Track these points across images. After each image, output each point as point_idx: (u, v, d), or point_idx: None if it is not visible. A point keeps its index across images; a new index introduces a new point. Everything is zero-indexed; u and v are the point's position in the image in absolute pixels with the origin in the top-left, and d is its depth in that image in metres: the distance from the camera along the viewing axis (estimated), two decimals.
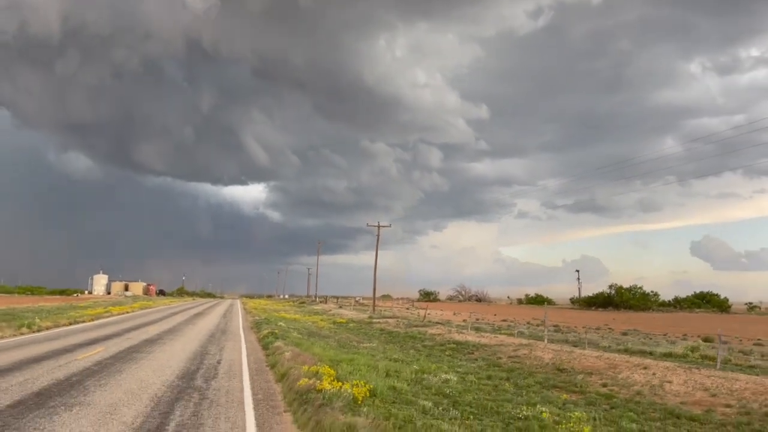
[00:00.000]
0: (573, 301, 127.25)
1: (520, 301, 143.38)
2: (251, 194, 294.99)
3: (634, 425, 10.29)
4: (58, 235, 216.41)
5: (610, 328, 46.35)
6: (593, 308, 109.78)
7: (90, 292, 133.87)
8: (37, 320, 27.38)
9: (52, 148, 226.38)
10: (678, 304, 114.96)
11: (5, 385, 10.56)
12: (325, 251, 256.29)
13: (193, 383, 11.84)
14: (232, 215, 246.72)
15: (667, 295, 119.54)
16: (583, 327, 44.48)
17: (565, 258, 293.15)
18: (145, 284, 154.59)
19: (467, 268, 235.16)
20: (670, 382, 15.06)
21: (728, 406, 12.41)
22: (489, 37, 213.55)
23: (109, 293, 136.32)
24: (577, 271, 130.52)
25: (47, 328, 25.87)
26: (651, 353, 22.66)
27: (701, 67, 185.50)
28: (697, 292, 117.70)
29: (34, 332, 23.66)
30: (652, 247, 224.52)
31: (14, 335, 21.83)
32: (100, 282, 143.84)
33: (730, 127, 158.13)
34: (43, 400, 9.39)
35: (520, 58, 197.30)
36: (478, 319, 52.42)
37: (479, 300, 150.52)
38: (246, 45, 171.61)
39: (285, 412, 9.46)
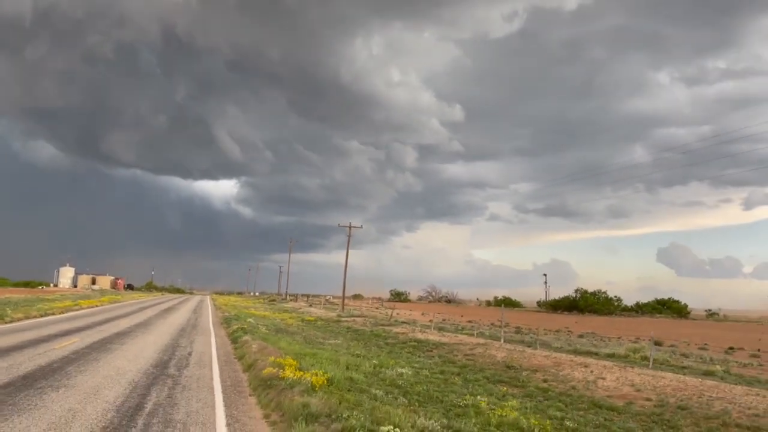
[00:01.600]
0: (540, 304, 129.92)
1: (489, 303, 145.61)
2: (222, 189, 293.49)
3: (558, 413, 11.71)
4: (23, 226, 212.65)
5: (569, 331, 48.18)
6: (559, 311, 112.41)
7: (56, 285, 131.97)
8: (9, 312, 27.91)
9: (17, 136, 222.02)
10: (640, 309, 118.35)
11: None
12: (297, 249, 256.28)
13: (166, 371, 12.91)
14: (203, 210, 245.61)
15: (633, 300, 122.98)
16: (544, 329, 46.34)
17: (536, 261, 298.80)
18: (112, 278, 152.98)
19: (439, 269, 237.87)
20: (603, 378, 16.61)
21: (648, 399, 13.96)
22: (465, 38, 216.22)
23: (75, 286, 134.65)
24: (545, 275, 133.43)
25: (19, 320, 26.41)
26: (596, 354, 24.32)
27: (670, 78, 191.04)
28: (660, 298, 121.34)
29: (6, 323, 24.25)
30: (621, 253, 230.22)
31: None
32: (66, 275, 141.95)
33: (698, 138, 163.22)
34: (30, 382, 10.40)
35: (495, 61, 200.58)
36: (444, 320, 53.93)
37: (449, 301, 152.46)
38: (221, 36, 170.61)
39: (250, 395, 10.64)
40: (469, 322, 54.42)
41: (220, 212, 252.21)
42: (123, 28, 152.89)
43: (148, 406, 9.08)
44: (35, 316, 29.22)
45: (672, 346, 33.23)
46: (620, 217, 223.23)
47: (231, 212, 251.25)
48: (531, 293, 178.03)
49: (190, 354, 16.60)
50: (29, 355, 14.10)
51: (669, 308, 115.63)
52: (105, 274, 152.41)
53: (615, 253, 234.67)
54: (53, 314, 32.25)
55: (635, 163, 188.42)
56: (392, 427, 6.78)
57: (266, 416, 8.87)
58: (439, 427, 8.75)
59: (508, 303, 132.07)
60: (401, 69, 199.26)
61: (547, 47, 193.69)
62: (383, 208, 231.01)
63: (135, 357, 15.04)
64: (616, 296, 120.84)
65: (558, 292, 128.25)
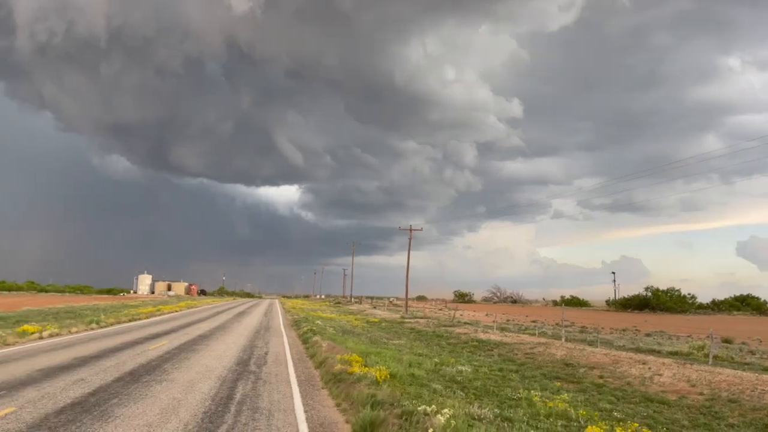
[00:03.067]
0: (608, 303, 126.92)
1: (555, 303, 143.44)
2: (284, 195, 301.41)
3: (608, 406, 12.45)
4: (103, 236, 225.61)
5: (637, 330, 47.52)
6: (629, 310, 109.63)
7: (135, 292, 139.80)
8: (102, 317, 30.70)
9: (94, 151, 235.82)
10: (716, 306, 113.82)
11: (104, 367, 13.38)
12: (360, 252, 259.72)
13: (247, 368, 14.48)
14: (268, 216, 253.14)
15: (712, 297, 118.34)
16: (611, 328, 46.01)
17: (605, 259, 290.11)
18: (187, 284, 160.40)
19: (502, 269, 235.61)
20: (660, 375, 17.05)
21: (701, 394, 14.40)
22: (521, 32, 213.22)
23: (152, 293, 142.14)
24: (613, 272, 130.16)
25: (111, 324, 29.04)
26: (659, 351, 24.45)
27: (741, 62, 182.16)
28: (738, 295, 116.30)
29: (102, 328, 26.81)
30: (696, 248, 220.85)
31: (86, 330, 24.96)
32: (144, 282, 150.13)
33: None
34: (136, 377, 12.12)
35: (553, 53, 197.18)
36: (508, 321, 54.27)
37: (514, 301, 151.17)
38: (280, 45, 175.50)
39: (323, 388, 11.98)
40: (533, 322, 54.47)
41: (284, 218, 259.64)
42: (189, 41, 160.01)
43: (237, 396, 10.54)
44: (125, 321, 31.93)
45: (743, 343, 32.59)
46: (693, 211, 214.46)
47: (294, 217, 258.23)
48: (599, 292, 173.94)
49: (266, 353, 18.19)
50: (130, 354, 16.03)
51: (748, 305, 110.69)
52: (180, 281, 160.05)
53: (690, 249, 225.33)
54: (140, 319, 35.01)
55: (707, 154, 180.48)
56: (448, 410, 7.85)
57: (337, 405, 10.16)
58: (491, 415, 9.77)
59: (575, 302, 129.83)
60: (457, 67, 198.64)
61: (607, 36, 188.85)
62: (443, 209, 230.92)
63: (219, 356, 16.75)
64: (689, 293, 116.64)
65: (629, 291, 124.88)
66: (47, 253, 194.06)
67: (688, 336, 40.56)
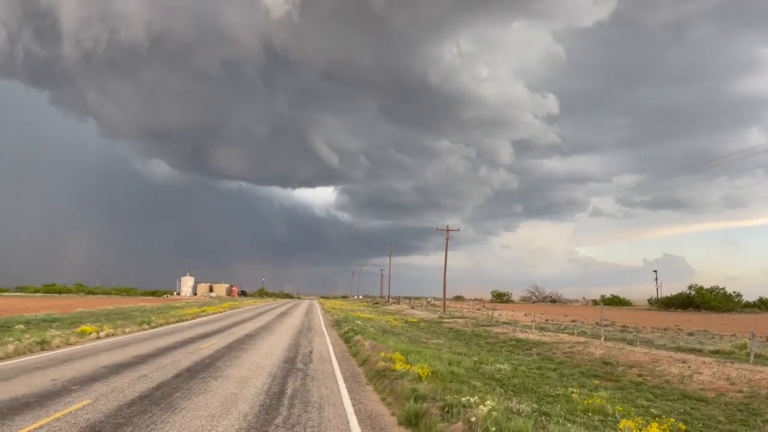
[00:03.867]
0: (651, 302, 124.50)
1: (595, 302, 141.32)
2: (321, 197, 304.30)
3: (645, 402, 12.73)
4: (145, 239, 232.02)
5: (679, 329, 46.80)
6: (672, 309, 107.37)
7: (178, 293, 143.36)
8: (152, 318, 32.06)
9: (136, 156, 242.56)
10: (764, 305, 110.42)
11: (162, 364, 14.31)
12: (397, 252, 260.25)
13: (295, 365, 15.22)
14: (305, 218, 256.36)
15: (761, 296, 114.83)
16: (652, 327, 45.45)
17: (646, 257, 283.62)
18: (228, 285, 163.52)
19: (541, 268, 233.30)
20: (700, 373, 17.14)
21: (740, 391, 14.50)
22: (556, 28, 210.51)
23: (195, 294, 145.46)
24: (655, 271, 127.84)
25: (161, 325, 30.32)
26: (700, 350, 24.33)
27: None
28: None
29: (153, 328, 28.06)
30: (742, 245, 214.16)
31: (139, 330, 26.21)
32: (187, 283, 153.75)
33: None
34: (193, 374, 12.96)
35: (589, 48, 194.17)
36: (547, 320, 54.06)
37: (553, 301, 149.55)
38: (315, 48, 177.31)
39: (367, 384, 12.61)
40: (573, 321, 54.13)
41: (321, 219, 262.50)
42: (226, 45, 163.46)
43: (288, 391, 11.25)
44: (173, 322, 33.25)
45: None
46: (739, 207, 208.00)
47: (331, 218, 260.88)
48: (642, 291, 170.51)
49: (311, 352, 18.94)
50: (184, 353, 16.98)
51: None
52: (221, 282, 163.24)
53: (735, 246, 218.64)
54: (186, 320, 36.36)
55: (752, 149, 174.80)
56: (490, 402, 8.35)
57: (382, 399, 10.77)
58: (528, 409, 10.21)
59: (616, 302, 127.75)
60: (490, 64, 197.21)
61: (645, 30, 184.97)
62: (479, 208, 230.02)
63: (267, 354, 17.57)
64: (735, 292, 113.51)
65: (672, 290, 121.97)
66: (94, 256, 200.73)
67: (732, 335, 39.82)
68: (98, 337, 21.55)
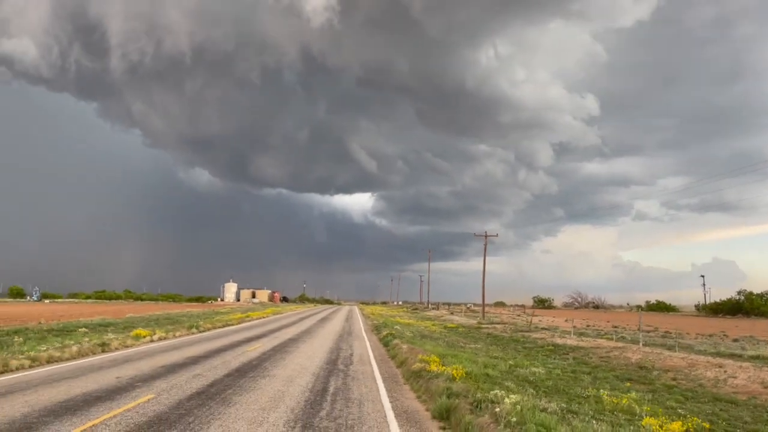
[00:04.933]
0: (698, 308, 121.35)
1: (639, 308, 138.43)
2: (359, 203, 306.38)
3: (675, 404, 13.10)
4: (189, 247, 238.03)
5: (724, 335, 45.96)
6: (720, 315, 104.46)
7: (221, 300, 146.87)
8: (200, 323, 33.55)
9: (180, 165, 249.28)
10: None
11: (213, 365, 15.40)
12: (437, 258, 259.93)
13: (336, 367, 16.10)
14: (344, 224, 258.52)
15: None
16: (696, 333, 44.77)
17: (695, 262, 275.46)
18: (270, 291, 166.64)
19: (584, 273, 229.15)
20: (735, 377, 17.28)
21: None
22: (594, 28, 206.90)
23: (238, 300, 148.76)
24: (702, 276, 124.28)
25: (208, 329, 31.72)
26: (740, 356, 24.18)
27: None
28: None
29: (201, 332, 29.43)
30: None
31: (188, 334, 27.57)
32: (230, 290, 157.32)
33: None
34: (242, 373, 13.96)
35: (630, 48, 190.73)
36: (588, 326, 53.69)
37: (596, 307, 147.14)
38: (352, 53, 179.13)
39: (404, 384, 13.37)
40: (614, 327, 53.60)
41: (359, 225, 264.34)
42: (266, 53, 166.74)
43: (331, 389, 12.11)
44: (219, 326, 34.67)
45: None
46: None
47: (369, 224, 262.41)
48: (689, 296, 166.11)
49: (351, 355, 19.80)
50: (232, 355, 18.07)
51: None
52: (263, 288, 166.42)
53: None
54: (232, 325, 37.78)
55: None
56: (514, 397, 9.02)
57: (418, 397, 11.52)
58: (557, 408, 10.80)
59: (661, 307, 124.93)
60: (527, 66, 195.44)
61: (687, 28, 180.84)
62: (519, 213, 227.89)
63: (310, 357, 18.51)
64: None
65: (723, 295, 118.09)
66: (140, 263, 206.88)
67: None
68: (152, 340, 22.90)
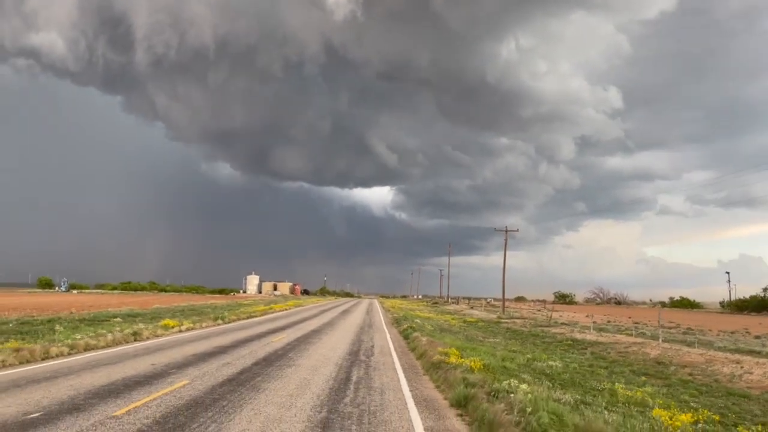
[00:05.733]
0: (723, 304, 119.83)
1: (663, 305, 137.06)
2: (378, 197, 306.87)
3: (688, 398, 13.44)
4: (212, 239, 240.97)
5: (747, 332, 45.70)
6: (745, 312, 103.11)
7: (244, 291, 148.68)
8: (226, 314, 34.45)
9: (202, 158, 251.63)
10: None
11: (241, 354, 16.10)
12: (457, 252, 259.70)
13: (358, 358, 16.69)
14: (364, 217, 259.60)
15: None
16: (719, 330, 44.56)
17: (721, 258, 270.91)
18: (291, 284, 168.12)
19: (607, 269, 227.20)
20: (751, 373, 17.51)
21: None
22: (619, 19, 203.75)
23: (260, 292, 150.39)
24: (727, 272, 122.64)
25: (233, 321, 32.56)
26: (759, 352, 24.28)
27: None
28: None
29: (226, 323, 30.26)
30: None
31: (214, 325, 28.41)
32: (252, 282, 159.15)
33: None
34: (269, 362, 14.62)
35: (655, 40, 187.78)
36: (609, 322, 53.66)
37: (618, 303, 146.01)
38: (373, 47, 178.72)
39: (424, 375, 13.90)
40: (635, 323, 53.42)
41: (379, 219, 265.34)
42: (288, 46, 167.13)
43: (354, 378, 12.69)
44: (244, 318, 35.54)
45: None
46: None
47: (389, 218, 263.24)
48: (715, 293, 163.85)
49: (372, 347, 20.39)
50: (258, 345, 18.77)
51: None
52: (284, 281, 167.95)
53: None
54: (256, 316, 38.65)
55: None
56: (527, 386, 9.49)
57: (437, 386, 12.04)
58: (571, 399, 11.23)
59: (685, 304, 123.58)
60: (549, 59, 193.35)
61: (714, 20, 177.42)
62: (541, 207, 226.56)
63: (332, 348, 19.14)
64: None
65: (749, 292, 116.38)
66: (164, 255, 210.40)
67: None
68: (180, 331, 23.74)
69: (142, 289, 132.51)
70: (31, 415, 8.06)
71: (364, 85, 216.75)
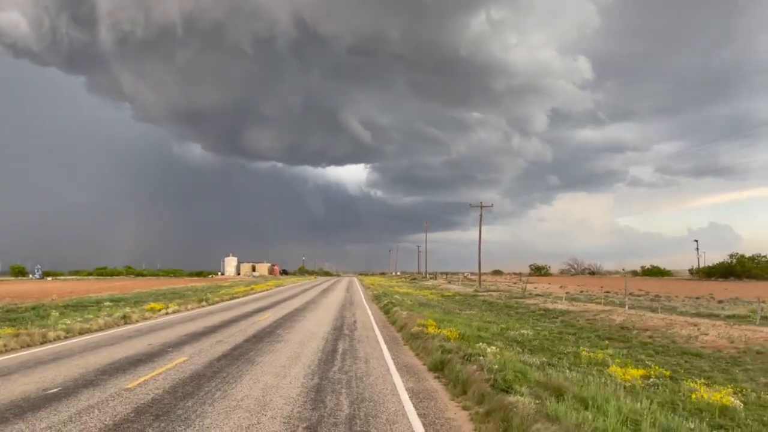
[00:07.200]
0: (692, 272, 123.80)
1: (635, 273, 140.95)
2: (352, 175, 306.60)
3: (645, 357, 14.75)
4: (186, 221, 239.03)
5: (712, 297, 47.82)
6: (713, 279, 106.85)
7: (222, 274, 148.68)
8: (209, 296, 35.19)
9: (172, 139, 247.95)
10: None
11: (231, 332, 17.02)
12: (435, 228, 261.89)
13: (342, 332, 17.73)
14: (339, 196, 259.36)
15: None
16: (685, 296, 46.66)
17: (691, 226, 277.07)
18: (269, 265, 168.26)
19: (581, 240, 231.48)
20: (706, 334, 18.98)
21: (735, 348, 16.36)
22: None
23: (238, 274, 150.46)
24: (696, 240, 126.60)
25: (216, 302, 33.34)
26: (717, 315, 25.95)
27: None
28: None
29: (210, 305, 31.06)
30: None
31: (199, 307, 29.19)
32: (230, 264, 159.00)
33: None
34: (259, 339, 15.57)
35: (622, 10, 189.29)
36: (582, 291, 55.66)
37: (592, 273, 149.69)
38: (344, 21, 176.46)
39: (404, 345, 15.00)
40: (607, 292, 55.51)
41: (354, 197, 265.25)
42: (257, 21, 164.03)
43: (340, 350, 13.72)
44: (227, 299, 36.33)
45: None
46: None
47: (364, 196, 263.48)
48: (685, 261, 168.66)
49: (355, 322, 21.46)
50: (246, 324, 19.68)
51: None
52: (262, 262, 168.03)
53: None
54: (238, 297, 39.47)
55: None
56: (496, 349, 10.59)
57: (416, 354, 13.15)
58: (538, 362, 12.40)
59: (655, 272, 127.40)
60: (519, 31, 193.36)
61: None
62: (515, 180, 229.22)
63: (317, 324, 20.15)
64: None
65: (719, 259, 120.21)
66: (138, 239, 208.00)
67: (763, 302, 40.87)
68: (167, 313, 24.50)
69: (119, 274, 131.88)
70: (51, 390, 8.90)
71: (335, 61, 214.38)
